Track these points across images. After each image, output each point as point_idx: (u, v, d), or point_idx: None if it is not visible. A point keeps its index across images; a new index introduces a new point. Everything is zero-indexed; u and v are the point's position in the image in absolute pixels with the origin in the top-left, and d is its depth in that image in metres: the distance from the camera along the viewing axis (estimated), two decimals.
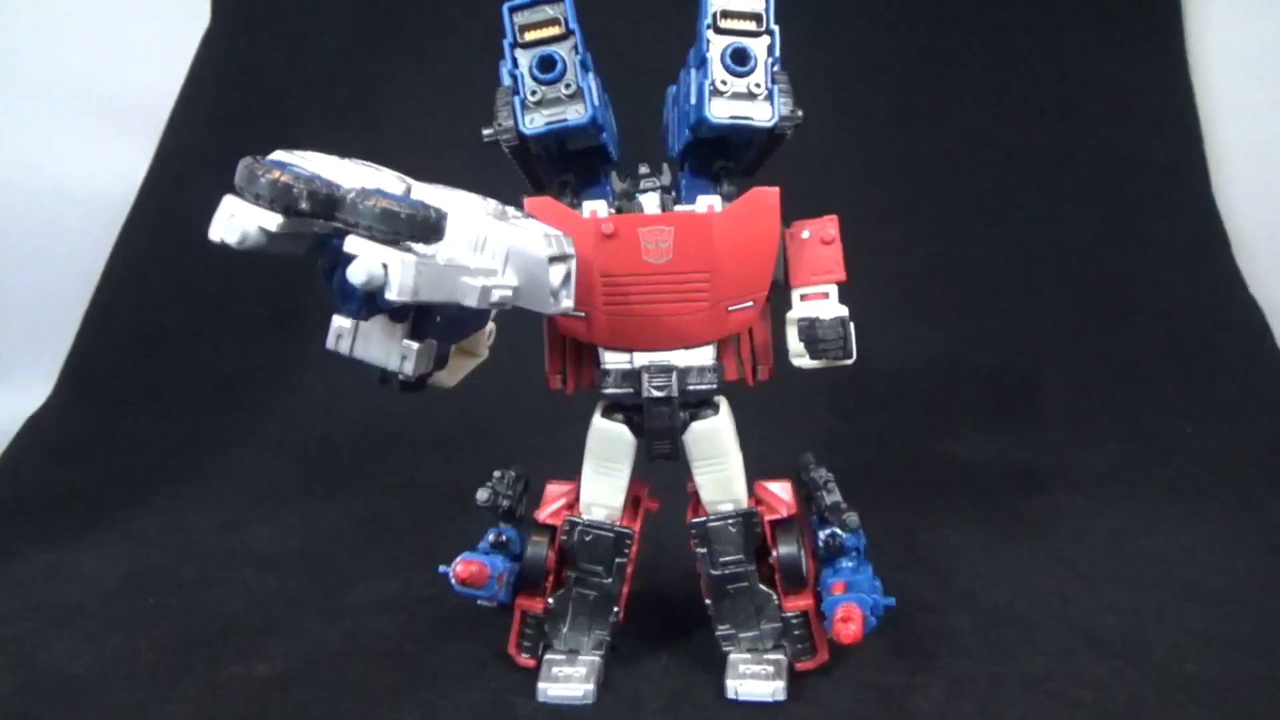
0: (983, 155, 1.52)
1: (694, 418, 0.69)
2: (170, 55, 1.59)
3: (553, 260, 0.52)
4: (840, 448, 1.26)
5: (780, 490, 0.73)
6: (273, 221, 0.44)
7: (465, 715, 0.69)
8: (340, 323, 0.53)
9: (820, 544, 0.72)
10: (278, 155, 0.51)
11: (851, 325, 0.66)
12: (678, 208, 0.69)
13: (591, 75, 0.69)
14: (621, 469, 0.70)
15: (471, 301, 0.47)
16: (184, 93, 1.57)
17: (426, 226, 0.43)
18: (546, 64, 0.67)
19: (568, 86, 0.67)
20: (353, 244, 0.43)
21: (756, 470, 0.73)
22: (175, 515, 1.10)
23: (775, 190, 0.67)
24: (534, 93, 0.67)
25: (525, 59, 0.68)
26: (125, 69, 1.57)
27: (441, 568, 0.71)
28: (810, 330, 0.66)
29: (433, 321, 0.54)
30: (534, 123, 0.67)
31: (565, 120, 0.67)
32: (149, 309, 1.49)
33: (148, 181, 1.54)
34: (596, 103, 0.68)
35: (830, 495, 0.72)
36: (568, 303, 0.55)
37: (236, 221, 0.45)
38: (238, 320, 1.46)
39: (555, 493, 0.74)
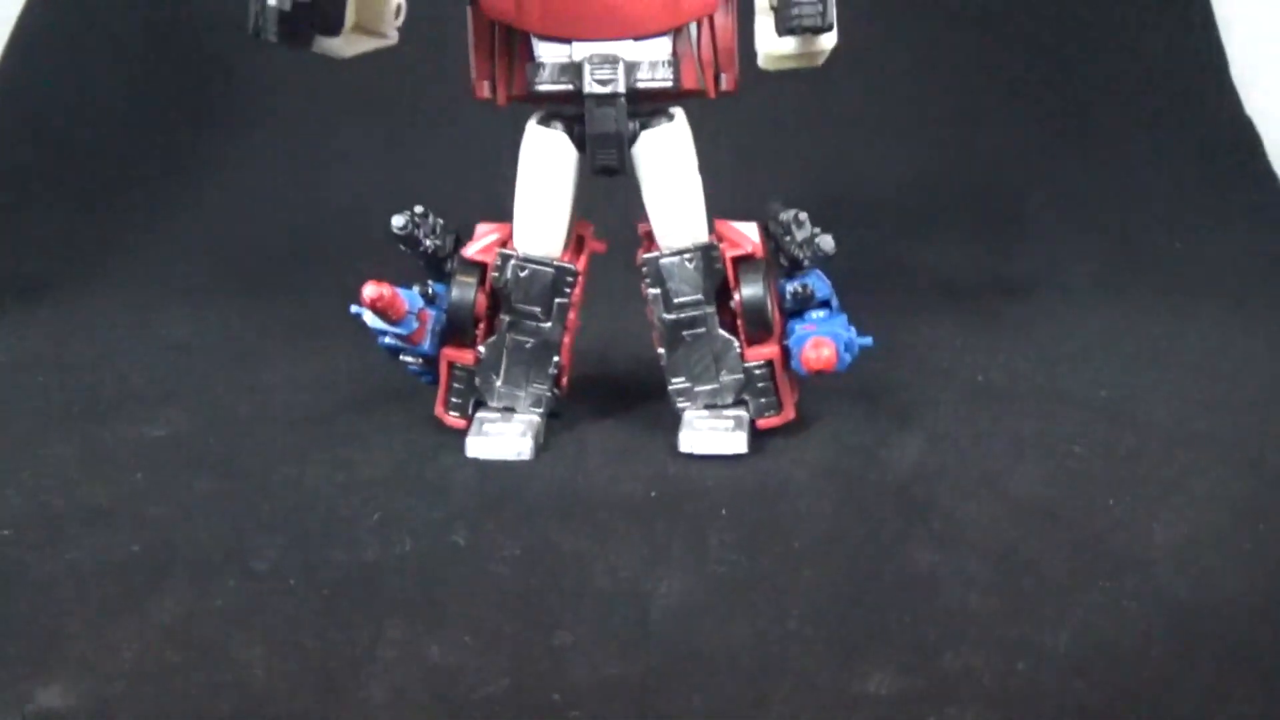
0: None
1: (645, 126, 0.60)
2: None
3: None
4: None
5: (745, 229, 0.64)
6: None
7: (383, 472, 0.61)
8: None
9: (788, 295, 0.64)
10: None
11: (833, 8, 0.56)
12: None
13: None
14: (562, 190, 0.61)
15: None
16: None
17: None
18: None
19: None
20: None
21: (717, 213, 0.64)
22: (78, 305, 0.99)
23: None
24: None
25: None
26: None
27: (353, 308, 0.61)
28: (786, 5, 0.56)
29: None
30: None
31: None
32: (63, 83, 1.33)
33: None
34: None
35: (800, 229, 0.63)
36: None
37: None
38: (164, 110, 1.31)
39: (486, 229, 0.65)
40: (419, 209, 0.65)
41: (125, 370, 0.80)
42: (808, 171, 1.25)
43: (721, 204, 0.66)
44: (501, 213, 0.65)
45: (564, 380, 0.67)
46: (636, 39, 0.58)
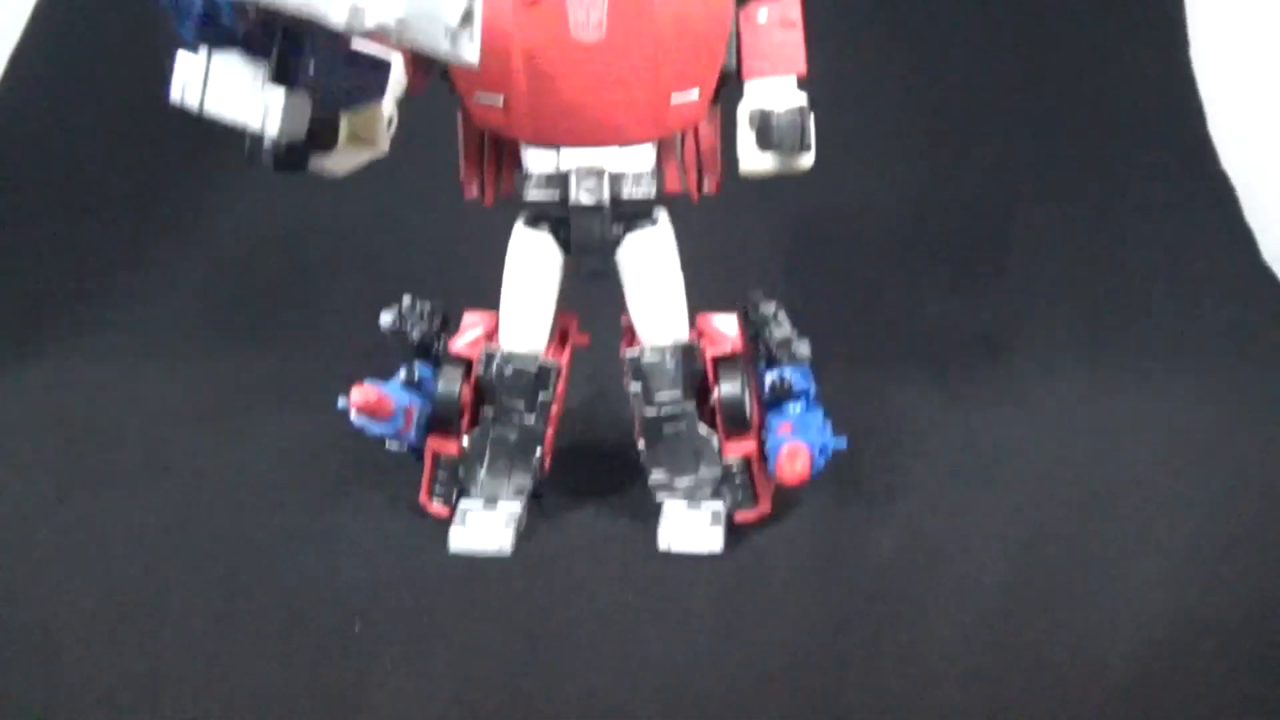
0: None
1: (629, 229, 0.61)
2: None
3: None
4: (793, 294, 1.18)
5: (725, 324, 0.65)
6: None
7: (362, 565, 0.62)
8: (187, 65, 0.41)
9: (766, 388, 0.65)
10: None
11: (811, 116, 0.57)
12: None
13: None
14: (546, 291, 0.62)
15: (339, 21, 0.37)
16: None
17: None
18: None
19: None
20: None
21: (699, 305, 0.65)
22: (64, 362, 0.99)
23: None
24: None
25: None
26: None
27: (340, 401, 0.62)
28: (764, 122, 0.57)
29: (305, 66, 0.44)
30: None
31: None
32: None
33: None
34: None
35: (779, 329, 0.64)
36: (470, 52, 0.45)
37: None
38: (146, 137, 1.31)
39: (472, 321, 0.65)
40: (406, 300, 0.66)
41: (108, 440, 0.80)
42: (785, 210, 1.26)
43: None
44: (485, 285, 0.66)
45: (546, 462, 0.68)
46: (622, 146, 0.59)
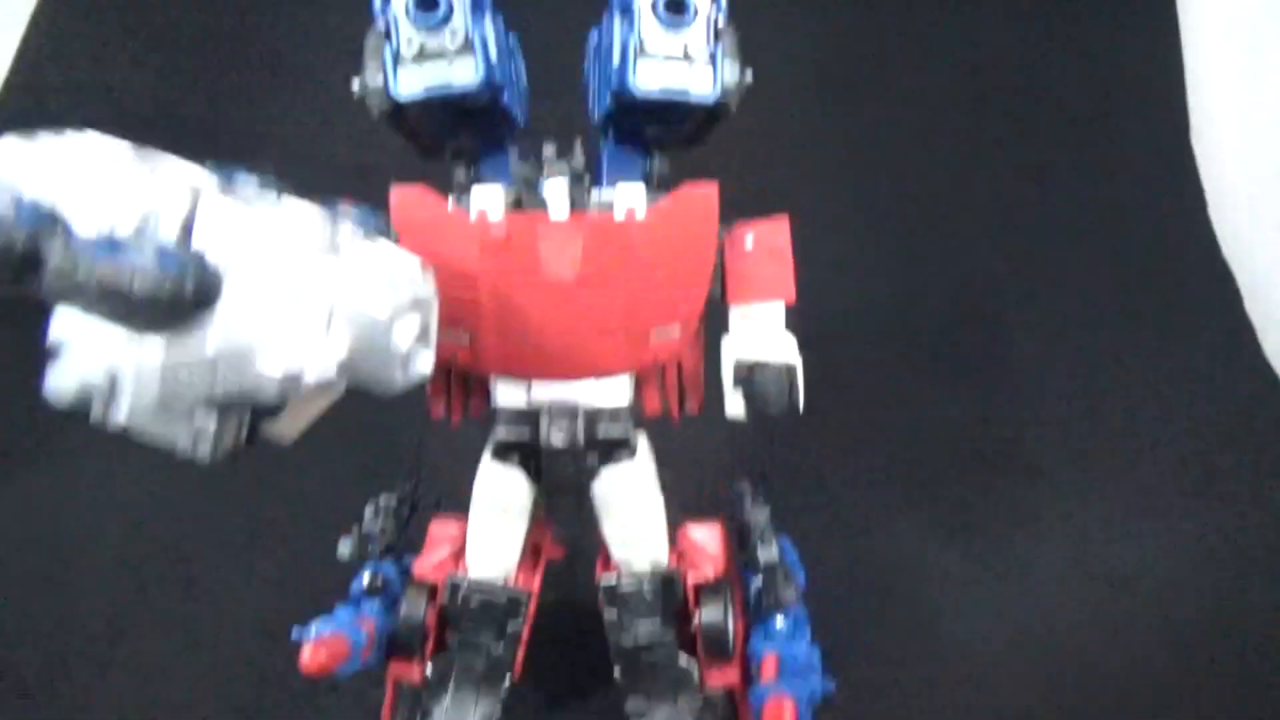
0: (951, 89, 1.37)
1: (605, 461, 0.56)
2: None
3: (398, 315, 0.37)
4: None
5: (708, 538, 0.61)
6: None
7: None
8: (87, 375, 0.35)
9: (751, 595, 0.61)
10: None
11: (800, 372, 0.53)
12: (595, 195, 0.55)
13: (488, 17, 0.53)
14: (516, 521, 0.57)
15: (270, 395, 0.33)
16: None
17: (177, 306, 0.29)
18: (427, 3, 0.52)
19: (454, 35, 0.52)
20: (62, 326, 0.28)
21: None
22: (47, 474, 0.94)
23: (712, 190, 0.52)
24: (410, 41, 0.52)
25: None
26: None
27: (295, 631, 0.58)
28: (749, 383, 0.53)
29: None
30: (410, 85, 0.52)
31: (450, 84, 0.52)
32: None
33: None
34: (494, 56, 0.53)
35: (766, 549, 0.60)
36: (423, 365, 0.41)
37: None
38: None
39: (440, 535, 0.61)
40: (368, 509, 0.62)
41: (78, 592, 0.76)
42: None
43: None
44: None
45: (517, 676, 0.63)
46: (597, 378, 0.54)
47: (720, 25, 0.53)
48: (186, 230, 0.35)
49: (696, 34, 0.53)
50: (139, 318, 0.29)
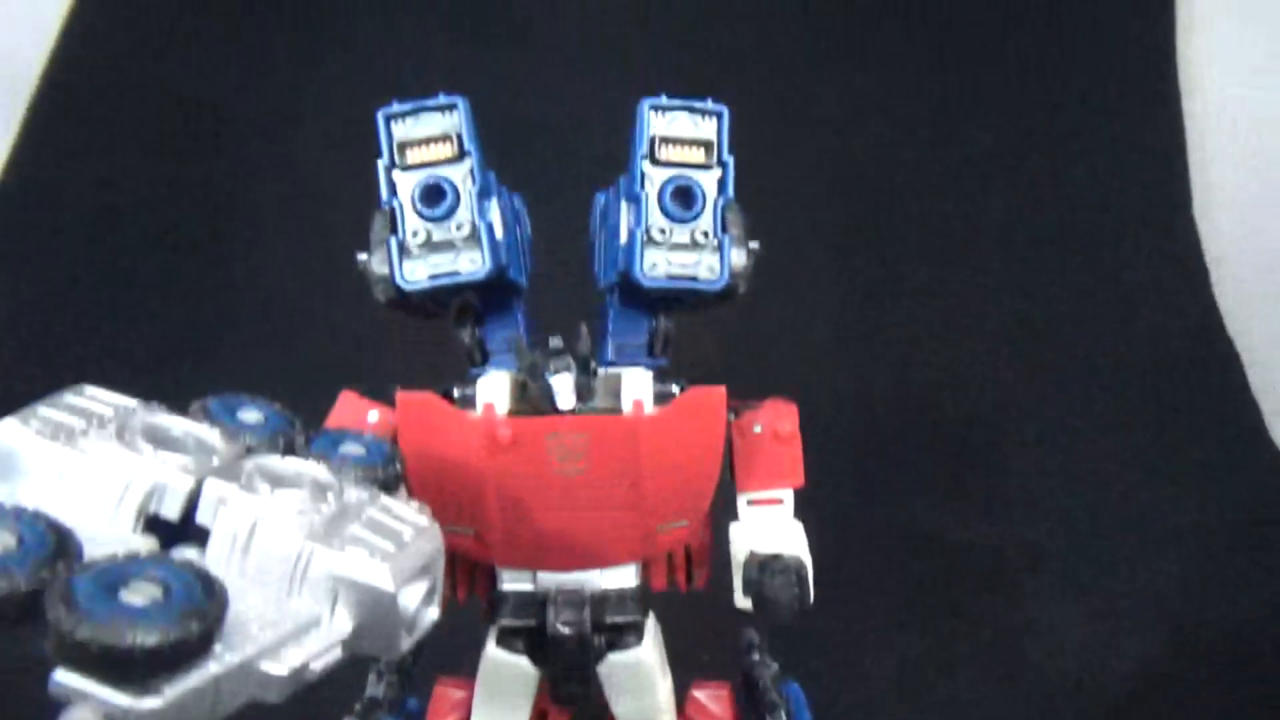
0: (949, 183, 1.37)
1: (612, 645, 0.56)
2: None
3: (406, 584, 0.37)
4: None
5: (716, 703, 0.61)
6: None
7: None
8: None
9: None
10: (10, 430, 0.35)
11: (810, 570, 0.53)
12: (601, 373, 0.55)
13: (494, 202, 0.54)
14: (521, 705, 0.57)
15: (276, 693, 0.33)
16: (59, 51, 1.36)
17: (159, 662, 0.28)
18: (433, 194, 0.52)
19: (460, 227, 0.52)
20: (63, 675, 0.28)
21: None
22: None
23: (720, 390, 0.53)
24: (416, 233, 0.52)
25: (407, 185, 0.53)
26: None
27: None
28: (758, 585, 0.53)
29: None
30: (415, 274, 0.53)
31: (456, 273, 0.52)
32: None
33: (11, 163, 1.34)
34: (499, 242, 0.53)
35: (774, 716, 0.60)
36: (429, 620, 0.41)
37: None
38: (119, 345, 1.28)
39: (445, 701, 0.61)
40: (371, 678, 0.62)
41: None
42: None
43: None
44: None
45: None
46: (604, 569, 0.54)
47: (726, 210, 0.54)
48: (188, 518, 0.35)
49: (704, 222, 0.53)
50: (133, 682, 0.28)
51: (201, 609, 0.30)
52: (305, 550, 0.36)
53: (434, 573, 0.39)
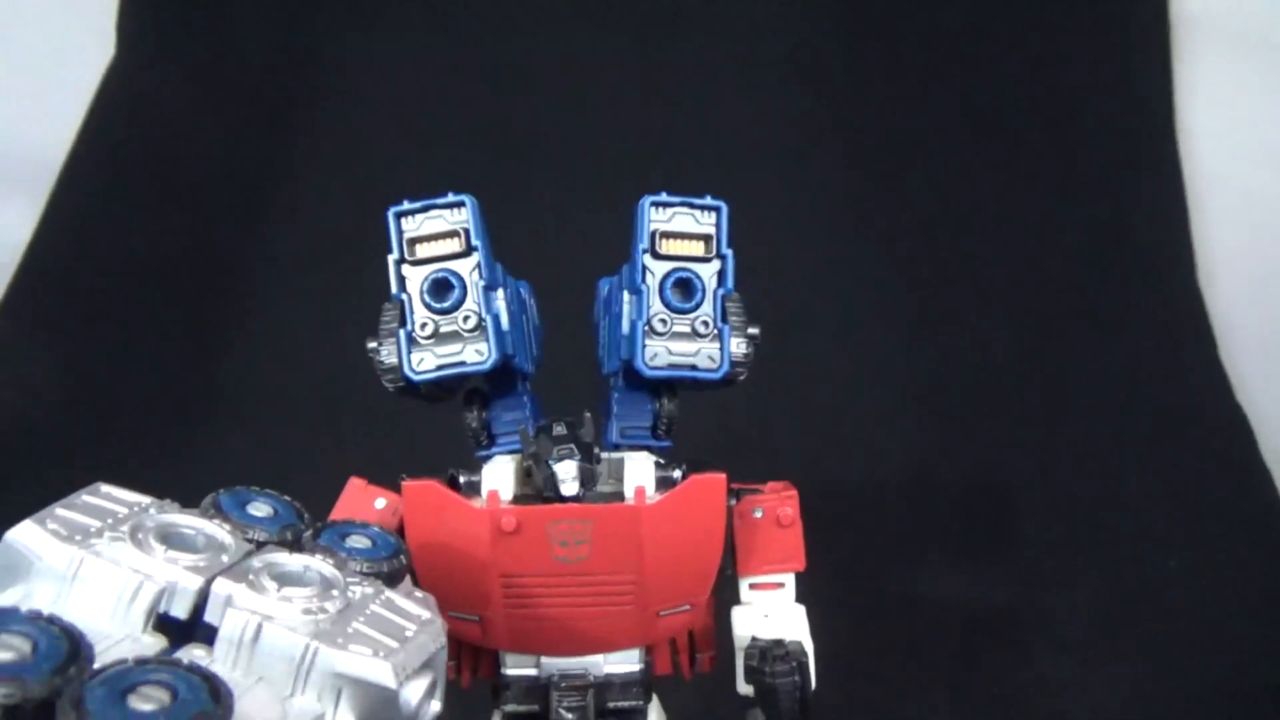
0: (950, 252, 1.39)
1: None
2: (65, 94, 1.42)
3: (408, 680, 0.38)
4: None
5: None
6: None
7: None
8: None
9: None
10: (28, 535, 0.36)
11: (811, 659, 0.53)
12: (604, 459, 0.56)
13: (500, 294, 0.55)
14: None
15: None
16: (81, 138, 1.40)
17: None
18: (441, 288, 0.54)
19: (467, 319, 0.54)
20: None
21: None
22: None
23: (721, 479, 0.54)
24: (424, 325, 0.54)
25: (415, 279, 0.55)
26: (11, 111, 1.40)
27: None
28: (759, 675, 0.53)
29: None
30: (423, 364, 0.54)
31: (462, 363, 0.54)
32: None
33: (37, 239, 1.38)
34: (505, 332, 0.55)
35: None
36: (431, 713, 0.41)
37: None
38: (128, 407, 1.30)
39: None
40: None
41: None
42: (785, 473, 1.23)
43: None
44: None
45: None
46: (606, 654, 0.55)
47: (727, 300, 0.55)
48: (197, 615, 0.36)
49: (704, 312, 0.54)
50: None
51: (208, 712, 0.31)
52: (309, 649, 0.37)
53: (436, 668, 0.40)
